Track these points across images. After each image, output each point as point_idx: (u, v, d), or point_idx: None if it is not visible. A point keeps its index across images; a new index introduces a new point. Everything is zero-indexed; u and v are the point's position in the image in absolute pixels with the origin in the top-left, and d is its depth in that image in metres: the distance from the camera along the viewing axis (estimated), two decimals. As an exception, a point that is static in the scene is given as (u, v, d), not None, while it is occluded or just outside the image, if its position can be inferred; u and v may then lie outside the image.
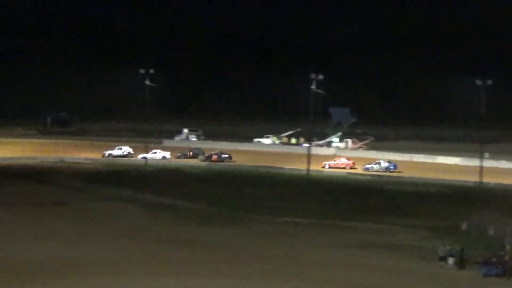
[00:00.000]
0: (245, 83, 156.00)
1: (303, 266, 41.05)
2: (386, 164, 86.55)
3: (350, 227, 54.31)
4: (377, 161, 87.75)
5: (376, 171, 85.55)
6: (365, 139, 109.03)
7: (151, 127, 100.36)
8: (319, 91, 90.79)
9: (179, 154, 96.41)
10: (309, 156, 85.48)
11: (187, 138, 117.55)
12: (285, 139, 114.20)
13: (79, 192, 69.82)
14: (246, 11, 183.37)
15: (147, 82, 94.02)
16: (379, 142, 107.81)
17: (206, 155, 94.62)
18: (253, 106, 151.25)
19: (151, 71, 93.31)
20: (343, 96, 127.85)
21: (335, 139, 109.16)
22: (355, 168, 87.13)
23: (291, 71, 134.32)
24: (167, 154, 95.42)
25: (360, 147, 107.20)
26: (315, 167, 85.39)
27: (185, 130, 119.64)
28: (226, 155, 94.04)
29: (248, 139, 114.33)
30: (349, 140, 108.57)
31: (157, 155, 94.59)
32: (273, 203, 63.94)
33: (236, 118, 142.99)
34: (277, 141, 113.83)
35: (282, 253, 44.95)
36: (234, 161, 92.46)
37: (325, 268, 41.19)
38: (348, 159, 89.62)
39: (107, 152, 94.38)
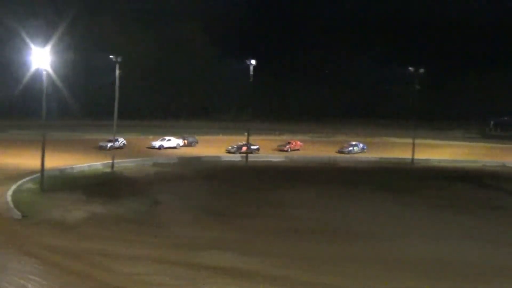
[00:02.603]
0: None
1: None
2: (361, 145, 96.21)
3: None
4: (354, 143, 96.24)
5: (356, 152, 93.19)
6: None
7: None
8: None
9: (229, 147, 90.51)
10: None
11: None
12: None
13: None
14: None
15: None
16: None
17: (236, 145, 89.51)
18: None
19: None
20: None
21: None
22: None
23: None
24: (180, 142, 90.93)
25: None
26: None
27: None
28: (256, 147, 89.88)
29: None
30: None
31: (171, 142, 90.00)
32: None
33: None
34: None
35: None
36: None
37: None
38: None
39: None
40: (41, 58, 59.07)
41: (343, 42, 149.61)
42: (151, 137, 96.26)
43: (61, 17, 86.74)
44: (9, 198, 53.10)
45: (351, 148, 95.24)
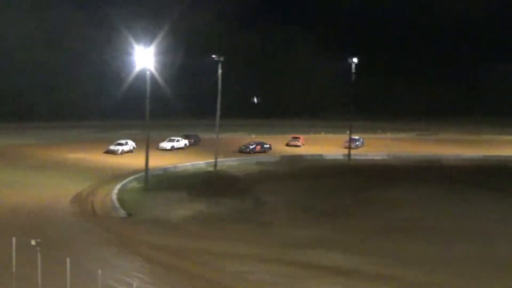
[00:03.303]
0: None
1: None
2: (362, 140, 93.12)
3: None
4: (357, 138, 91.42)
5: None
6: None
7: None
8: None
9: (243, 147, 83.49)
10: None
11: None
12: None
13: None
14: None
15: None
16: None
17: (251, 145, 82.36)
18: None
19: None
20: None
21: None
22: None
23: None
24: (187, 142, 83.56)
25: None
26: None
27: None
28: (267, 145, 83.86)
29: None
30: None
31: (180, 143, 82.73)
32: None
33: None
34: None
35: None
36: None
37: None
38: None
39: None
40: (144, 58, 59.65)
41: (447, 38, 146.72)
42: (253, 135, 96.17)
43: (164, 17, 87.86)
44: (114, 197, 53.79)
45: (357, 143, 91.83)
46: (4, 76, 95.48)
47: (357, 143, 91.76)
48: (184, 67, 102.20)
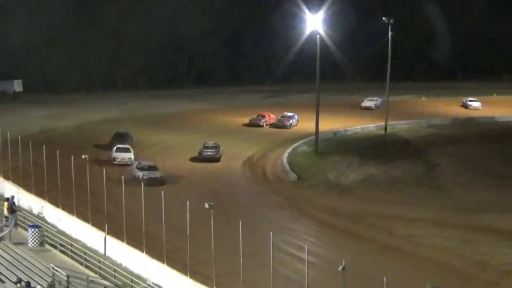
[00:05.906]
0: None
1: None
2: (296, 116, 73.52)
3: None
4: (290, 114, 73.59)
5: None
6: None
7: None
8: None
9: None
10: None
11: None
12: None
13: None
14: None
15: None
16: None
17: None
18: None
19: None
20: None
21: None
22: None
23: None
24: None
25: None
26: None
27: None
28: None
29: None
30: None
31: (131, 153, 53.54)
32: None
33: None
34: None
35: None
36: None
37: None
38: None
39: None
40: (314, 22, 59.55)
41: None
42: (423, 98, 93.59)
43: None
44: (285, 161, 54.28)
45: (292, 121, 72.80)
46: (182, 42, 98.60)
47: (291, 121, 73.77)
48: (355, 30, 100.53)
